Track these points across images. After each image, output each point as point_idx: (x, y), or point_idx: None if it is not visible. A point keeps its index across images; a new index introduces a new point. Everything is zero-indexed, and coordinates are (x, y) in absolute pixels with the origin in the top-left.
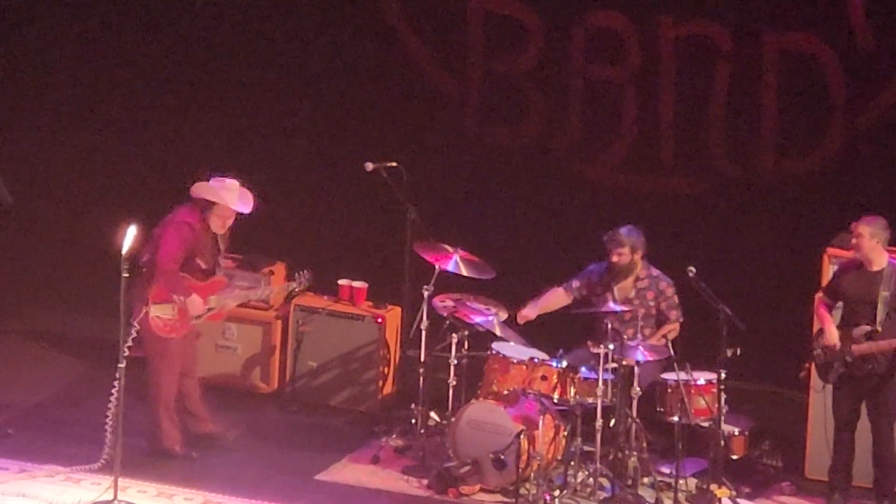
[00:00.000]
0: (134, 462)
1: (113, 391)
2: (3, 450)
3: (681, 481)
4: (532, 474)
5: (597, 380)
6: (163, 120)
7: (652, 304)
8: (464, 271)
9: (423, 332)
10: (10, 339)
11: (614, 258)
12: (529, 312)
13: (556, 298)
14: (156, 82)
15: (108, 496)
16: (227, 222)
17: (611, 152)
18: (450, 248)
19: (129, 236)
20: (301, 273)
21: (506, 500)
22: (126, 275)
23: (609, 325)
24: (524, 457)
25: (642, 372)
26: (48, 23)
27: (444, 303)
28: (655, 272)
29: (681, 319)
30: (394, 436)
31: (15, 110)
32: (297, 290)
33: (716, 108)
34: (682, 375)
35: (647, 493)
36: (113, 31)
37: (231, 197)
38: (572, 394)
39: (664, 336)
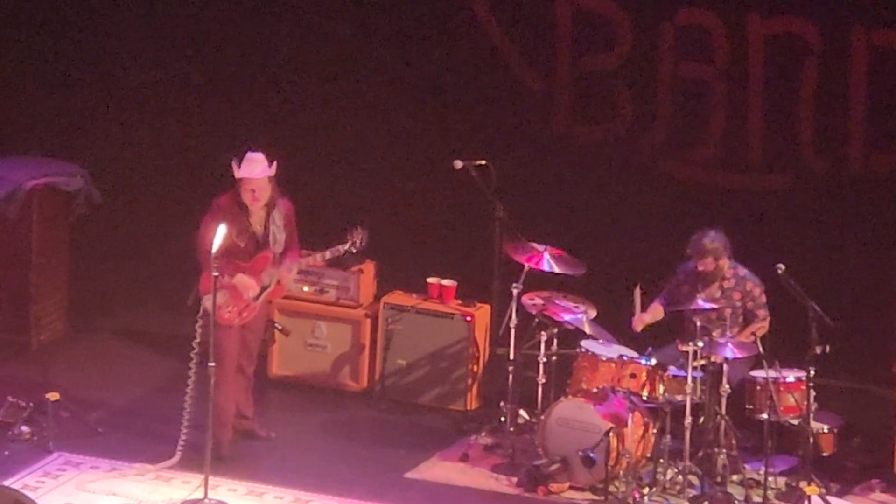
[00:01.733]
0: (224, 460)
1: (188, 388)
2: (93, 448)
3: (770, 479)
4: (621, 472)
5: (686, 377)
6: (252, 120)
7: (738, 303)
8: (554, 268)
9: (513, 330)
10: (100, 338)
11: (699, 267)
12: (647, 317)
13: (657, 312)
14: (244, 81)
15: (199, 494)
16: (251, 194)
17: (699, 150)
18: (539, 246)
19: (219, 235)
20: (355, 231)
21: (595, 497)
22: (216, 274)
23: (698, 323)
24: (613, 454)
25: (731, 369)
26: (125, 21)
27: (534, 301)
28: (742, 271)
29: (768, 318)
30: (483, 434)
31: (103, 110)
32: (351, 250)
33: (804, 104)
34: (772, 373)
35: (736, 491)
36: (199, 30)
37: (242, 167)
38: (661, 391)
39: (753, 333)
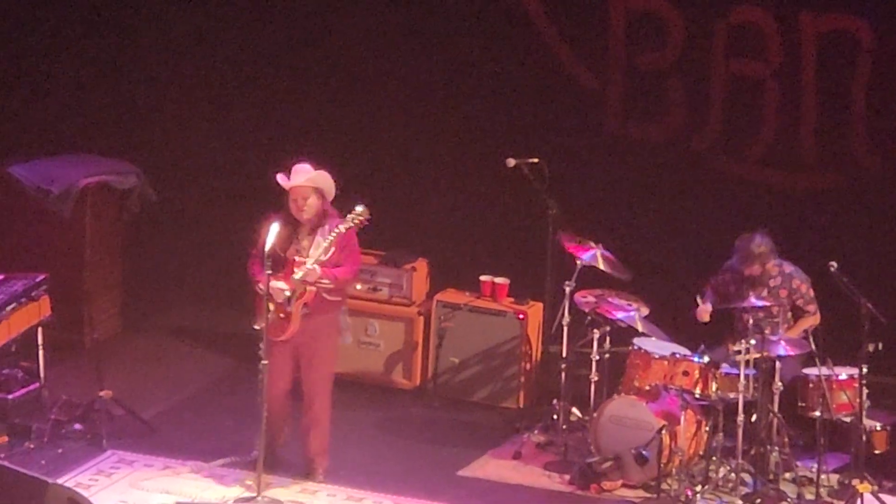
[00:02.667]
0: (277, 458)
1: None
2: (146, 446)
3: (822, 476)
4: (674, 470)
5: (738, 375)
6: (306, 117)
7: (785, 300)
8: (602, 267)
9: (565, 328)
10: (156, 336)
11: (746, 272)
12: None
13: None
14: (298, 80)
15: (252, 492)
16: (295, 204)
17: (752, 147)
18: (591, 244)
19: (272, 233)
20: (353, 209)
21: (647, 495)
22: (269, 271)
23: (750, 321)
24: (666, 452)
25: (784, 367)
26: (181, 19)
27: (586, 298)
28: (789, 269)
29: (818, 313)
30: (535, 431)
31: (159, 108)
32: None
33: (857, 102)
34: (824, 370)
35: (788, 489)
36: (256, 28)
37: (289, 177)
38: (714, 389)
39: (805, 330)
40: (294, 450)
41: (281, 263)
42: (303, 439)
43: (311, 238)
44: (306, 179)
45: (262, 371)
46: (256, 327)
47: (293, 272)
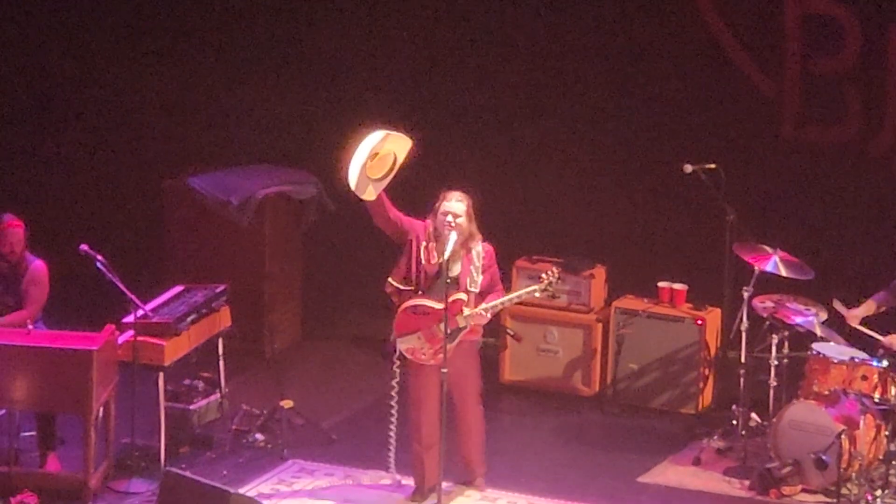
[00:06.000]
0: (455, 466)
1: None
2: (327, 455)
3: None
4: (853, 474)
5: None
6: (485, 121)
7: None
8: (783, 272)
9: (744, 334)
10: (335, 345)
11: None
12: (860, 311)
13: (870, 306)
14: (481, 83)
15: (432, 500)
16: (447, 221)
17: None
18: (769, 249)
19: (451, 241)
20: (549, 272)
21: (827, 500)
22: (448, 280)
23: None
24: (845, 457)
25: None
26: (354, 24)
27: (764, 304)
28: None
29: None
30: (715, 437)
31: (336, 117)
32: (545, 291)
33: None
34: None
35: None
36: (426, 35)
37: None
38: (893, 393)
39: None
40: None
41: (427, 282)
42: (460, 449)
43: (460, 256)
44: (463, 201)
45: (443, 382)
46: (383, 353)
47: (460, 311)
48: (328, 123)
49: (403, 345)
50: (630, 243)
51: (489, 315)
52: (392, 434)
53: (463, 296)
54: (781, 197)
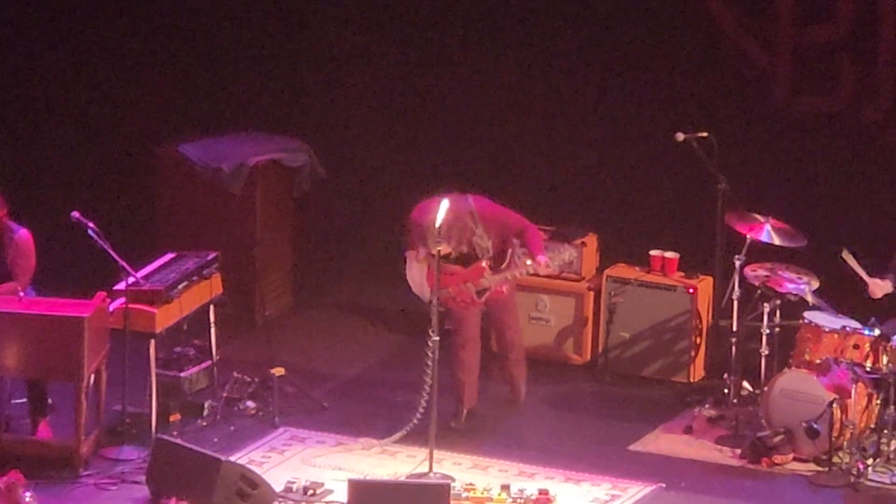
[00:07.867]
0: (448, 434)
1: (427, 364)
2: (318, 423)
3: None
4: (845, 443)
5: None
6: (474, 94)
7: None
8: (775, 240)
9: (735, 302)
10: (327, 313)
11: None
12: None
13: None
14: (473, 60)
15: (424, 468)
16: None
17: None
18: (761, 218)
19: (442, 209)
20: (564, 248)
21: (819, 468)
22: (439, 248)
23: None
24: (837, 426)
25: None
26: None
27: (756, 272)
28: None
29: None
30: (706, 406)
31: (326, 85)
32: (566, 261)
33: None
34: None
35: None
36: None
37: None
38: (885, 362)
39: None
40: (467, 425)
41: (463, 261)
42: (511, 371)
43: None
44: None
45: (432, 347)
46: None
47: (482, 275)
48: (319, 91)
49: (440, 296)
50: (622, 212)
51: (494, 288)
52: (422, 406)
53: (483, 263)
54: (774, 165)
